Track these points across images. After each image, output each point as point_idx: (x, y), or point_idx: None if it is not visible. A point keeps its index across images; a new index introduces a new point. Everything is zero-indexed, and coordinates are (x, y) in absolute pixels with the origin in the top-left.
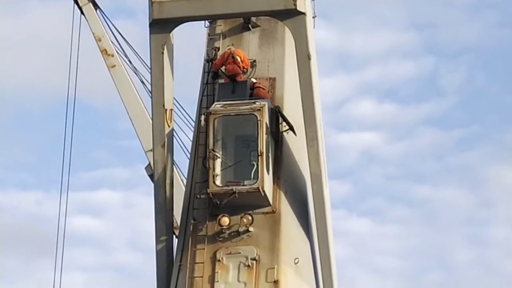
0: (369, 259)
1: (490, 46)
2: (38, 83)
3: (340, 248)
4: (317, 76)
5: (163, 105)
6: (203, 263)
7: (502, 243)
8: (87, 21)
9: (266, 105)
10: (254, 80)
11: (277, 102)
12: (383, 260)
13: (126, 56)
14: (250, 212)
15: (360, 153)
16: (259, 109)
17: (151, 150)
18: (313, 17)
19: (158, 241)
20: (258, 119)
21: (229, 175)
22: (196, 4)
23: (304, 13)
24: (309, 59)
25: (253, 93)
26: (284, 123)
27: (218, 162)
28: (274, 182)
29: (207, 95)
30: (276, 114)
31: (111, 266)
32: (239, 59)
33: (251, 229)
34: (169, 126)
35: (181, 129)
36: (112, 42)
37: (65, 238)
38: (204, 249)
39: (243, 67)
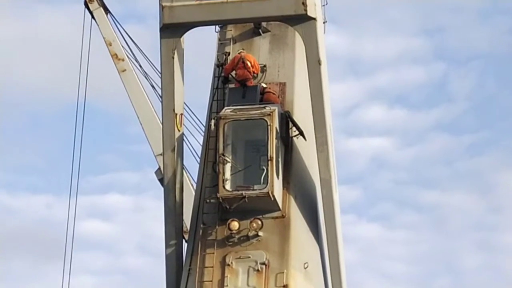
0: (378, 264)
1: (500, 52)
2: (48, 87)
3: (349, 253)
4: (327, 82)
5: (173, 110)
6: (212, 267)
7: (511, 248)
8: (98, 25)
9: (276, 110)
10: (264, 85)
11: (287, 107)
12: (392, 265)
13: (136, 60)
14: (260, 216)
15: (370, 158)
16: (269, 114)
17: (161, 154)
18: (324, 23)
19: (167, 245)
20: (268, 124)
21: (239, 180)
22: (207, 9)
23: (314, 19)
24: (319, 64)
25: (263, 98)
26: (294, 128)
27: (228, 166)
28: (283, 187)
29: (217, 99)
30: (286, 119)
31: (121, 270)
32: (249, 64)
33: (260, 233)
34: (179, 131)
35: (191, 133)
36: (122, 46)
37: (74, 242)
38: (213, 253)
39: (253, 72)
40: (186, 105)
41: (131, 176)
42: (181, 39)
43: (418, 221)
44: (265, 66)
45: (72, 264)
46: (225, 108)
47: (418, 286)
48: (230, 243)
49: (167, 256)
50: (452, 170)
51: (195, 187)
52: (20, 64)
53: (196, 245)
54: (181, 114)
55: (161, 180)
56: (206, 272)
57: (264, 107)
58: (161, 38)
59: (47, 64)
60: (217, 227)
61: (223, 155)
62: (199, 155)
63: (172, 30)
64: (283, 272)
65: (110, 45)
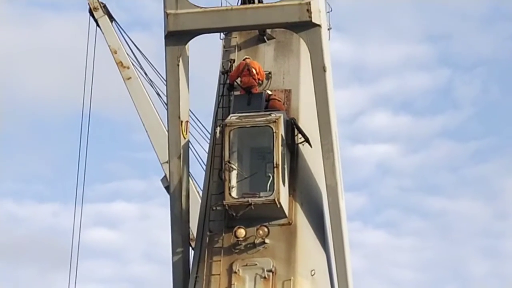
0: (385, 271)
1: (505, 58)
2: (54, 95)
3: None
4: (333, 88)
5: (179, 117)
6: (219, 275)
7: None
8: (103, 33)
9: (282, 117)
10: (269, 92)
11: (292, 114)
12: (399, 272)
13: (141, 68)
14: (266, 224)
15: (375, 165)
16: (275, 121)
17: (167, 162)
18: (328, 29)
19: (174, 253)
20: (274, 131)
21: (245, 187)
22: (212, 16)
23: (319, 25)
24: (325, 71)
25: (269, 105)
26: (299, 135)
27: (234, 174)
28: (290, 194)
29: (223, 107)
30: (292, 126)
31: (127, 278)
32: (254, 71)
33: (267, 241)
34: (184, 138)
35: (197, 141)
36: (127, 54)
37: (80, 250)
38: (220, 261)
39: (259, 79)
40: (192, 113)
41: (137, 184)
42: (186, 46)
43: (424, 227)
44: (270, 73)
45: (79, 272)
46: (231, 115)
47: None
48: (237, 251)
49: (173, 264)
50: (458, 176)
51: (201, 194)
52: (26, 72)
53: (202, 252)
54: (187, 122)
55: (167, 188)
56: (213, 280)
57: (270, 114)
58: (166, 45)
59: (52, 72)
60: (223, 234)
61: (229, 162)
62: (205, 162)
63: (177, 38)
64: (290, 280)
65: (115, 53)
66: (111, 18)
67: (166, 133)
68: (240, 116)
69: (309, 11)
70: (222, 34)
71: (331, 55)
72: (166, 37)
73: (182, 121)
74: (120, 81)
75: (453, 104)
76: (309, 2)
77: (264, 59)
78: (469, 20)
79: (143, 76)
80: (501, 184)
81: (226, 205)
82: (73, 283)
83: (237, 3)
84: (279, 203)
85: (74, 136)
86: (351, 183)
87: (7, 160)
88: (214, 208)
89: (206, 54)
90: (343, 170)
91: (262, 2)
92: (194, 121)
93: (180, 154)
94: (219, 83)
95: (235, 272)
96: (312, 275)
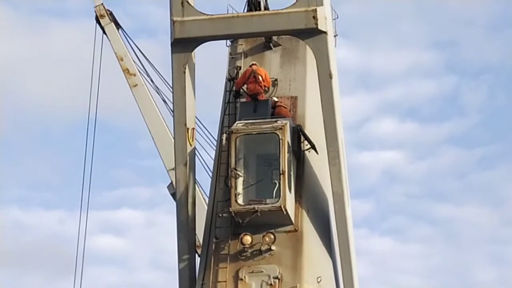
0: (391, 278)
1: (511, 65)
2: (60, 102)
3: (362, 267)
4: (339, 95)
5: (185, 124)
6: (225, 281)
7: None
8: (109, 40)
9: (288, 124)
10: (275, 99)
11: (298, 120)
12: (405, 279)
13: (148, 75)
14: (272, 230)
15: (381, 172)
16: (281, 128)
17: (173, 169)
18: (335, 36)
19: (180, 260)
20: (280, 137)
21: (251, 194)
22: (218, 24)
23: (325, 32)
24: (331, 78)
25: (275, 112)
26: (305, 142)
27: (240, 180)
28: (296, 201)
29: (229, 114)
30: (298, 133)
31: (134, 285)
32: (260, 78)
33: (273, 247)
34: (191, 145)
35: (203, 148)
36: (134, 61)
37: (87, 257)
38: (226, 267)
39: (265, 86)
40: (198, 120)
41: (144, 191)
42: (192, 53)
43: (431, 234)
44: (276, 80)
45: (85, 279)
46: (237, 122)
47: None
48: (243, 257)
49: (180, 271)
50: (464, 183)
51: (207, 201)
52: (33, 79)
53: (209, 259)
54: (193, 129)
55: (173, 195)
56: (219, 287)
57: (276, 121)
58: (172, 52)
59: (59, 80)
60: (229, 241)
61: (235, 169)
62: (211, 169)
63: (183, 45)
64: (296, 286)
65: (122, 60)
66: (118, 25)
67: (173, 140)
68: (246, 123)
69: (315, 18)
70: (228, 41)
71: (337, 62)
72: (172, 44)
73: (188, 128)
74: (127, 88)
75: (460, 111)
76: (315, 9)
77: (270, 66)
78: (475, 26)
79: (149, 83)
80: (507, 191)
81: (232, 212)
82: None
83: (243, 11)
84: (285, 210)
85: (80, 143)
86: (357, 190)
87: (13, 167)
88: (220, 215)
89: (212, 61)
90: (350, 177)
91: (268, 9)
92: (200, 128)
93: (186, 161)
94: (225, 90)
95: (241, 279)
96: (318, 282)
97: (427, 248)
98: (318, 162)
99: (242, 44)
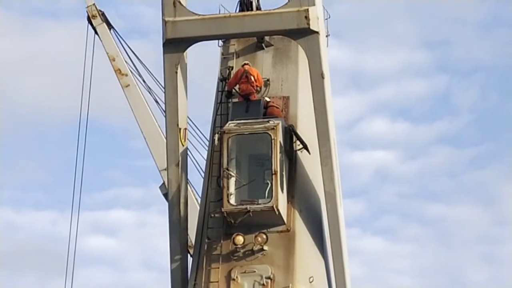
0: (383, 277)
1: (503, 64)
2: (52, 102)
3: (354, 266)
4: (331, 95)
5: (177, 124)
6: (217, 282)
7: None
8: (101, 41)
9: (280, 124)
10: (267, 99)
11: (290, 120)
12: (397, 279)
13: (140, 75)
14: (265, 230)
15: (373, 171)
16: (273, 128)
17: (165, 169)
18: (327, 36)
19: (172, 260)
20: (272, 138)
21: (243, 194)
22: (210, 24)
23: (317, 32)
24: (323, 78)
25: (267, 112)
26: (298, 142)
27: (232, 181)
28: (288, 201)
29: (221, 114)
30: (290, 133)
31: (126, 285)
32: (252, 78)
33: (265, 247)
34: (183, 145)
35: (195, 148)
36: (126, 61)
37: (79, 258)
38: (218, 268)
39: (257, 86)
40: (190, 120)
41: (135, 191)
42: (184, 54)
43: (422, 234)
44: (268, 80)
45: (77, 280)
46: (229, 122)
47: None
48: (235, 258)
49: (172, 271)
50: (456, 183)
51: (199, 201)
52: (24, 79)
53: (201, 259)
54: (185, 129)
55: (165, 195)
56: (212, 287)
57: (268, 121)
58: (164, 53)
59: (51, 80)
60: (222, 241)
61: (227, 169)
62: (204, 169)
63: (175, 45)
64: (289, 286)
65: (114, 60)
66: (109, 26)
67: (165, 140)
68: (238, 123)
69: (307, 18)
70: (220, 41)
71: (329, 62)
72: (164, 44)
73: (180, 128)
74: (119, 89)
75: (451, 110)
76: (307, 9)
77: (262, 66)
78: (467, 26)
79: (141, 84)
80: (499, 190)
81: (225, 212)
82: None
83: (235, 11)
84: (278, 210)
85: (72, 143)
86: (349, 190)
87: (5, 168)
88: (212, 215)
89: (204, 62)
90: (342, 177)
91: (260, 9)
92: (192, 128)
93: (178, 161)
94: (218, 90)
95: (234, 279)
96: (310, 282)
97: (419, 247)
98: (310, 162)
99: (234, 44)
